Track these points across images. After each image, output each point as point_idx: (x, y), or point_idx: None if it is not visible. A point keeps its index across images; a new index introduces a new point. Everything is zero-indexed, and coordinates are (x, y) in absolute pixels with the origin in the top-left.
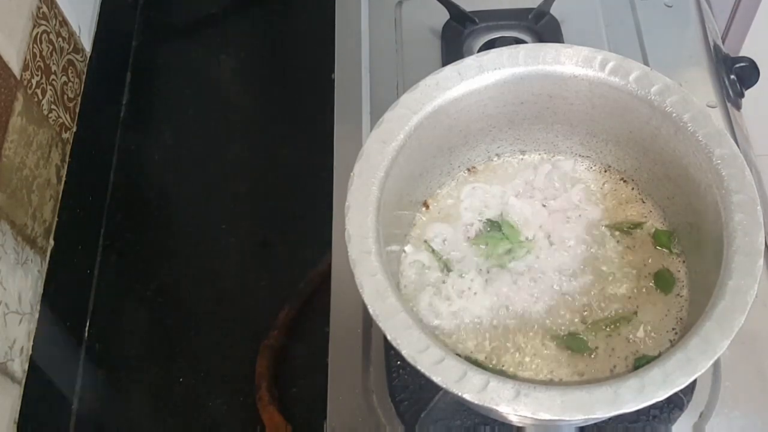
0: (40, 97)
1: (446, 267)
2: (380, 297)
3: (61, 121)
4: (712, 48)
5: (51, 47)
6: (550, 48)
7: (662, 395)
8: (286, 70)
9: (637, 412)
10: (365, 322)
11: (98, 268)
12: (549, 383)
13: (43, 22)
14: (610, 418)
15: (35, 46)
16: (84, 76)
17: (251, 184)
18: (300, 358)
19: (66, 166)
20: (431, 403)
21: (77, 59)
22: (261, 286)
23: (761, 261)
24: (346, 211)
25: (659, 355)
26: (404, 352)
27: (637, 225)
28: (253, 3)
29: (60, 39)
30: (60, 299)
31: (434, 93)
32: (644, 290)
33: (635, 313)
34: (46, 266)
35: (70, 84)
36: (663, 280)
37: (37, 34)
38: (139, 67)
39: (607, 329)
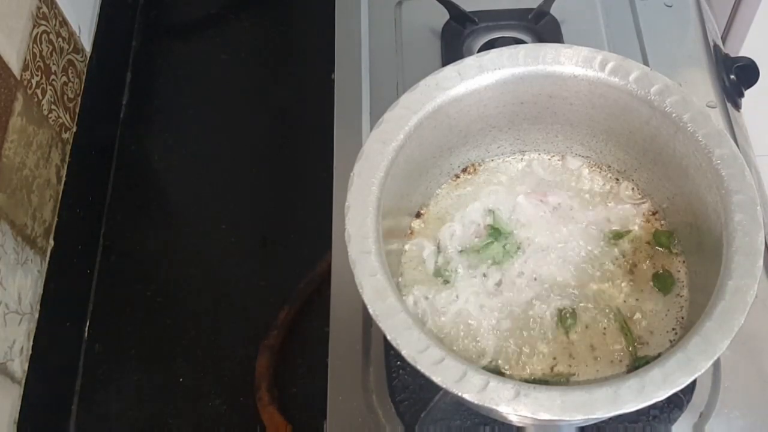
0: (40, 97)
1: (445, 267)
2: (380, 297)
3: (61, 121)
4: (712, 48)
5: (51, 47)
6: (550, 48)
7: (662, 395)
8: (286, 70)
9: (637, 412)
10: (365, 322)
11: (98, 268)
12: (549, 382)
13: (43, 22)
14: (610, 418)
15: (35, 46)
16: (84, 76)
17: (251, 184)
18: (300, 358)
19: (66, 166)
20: (431, 403)
21: (77, 59)
22: (261, 286)
23: (761, 261)
24: (346, 211)
25: (659, 355)
26: (404, 352)
27: (637, 225)
28: (253, 3)
29: (60, 39)
30: (60, 299)
31: (434, 93)
32: (644, 290)
33: (635, 313)
34: (46, 266)
35: (70, 84)
36: (663, 281)
37: (37, 34)
38: (139, 67)
39: (606, 329)
